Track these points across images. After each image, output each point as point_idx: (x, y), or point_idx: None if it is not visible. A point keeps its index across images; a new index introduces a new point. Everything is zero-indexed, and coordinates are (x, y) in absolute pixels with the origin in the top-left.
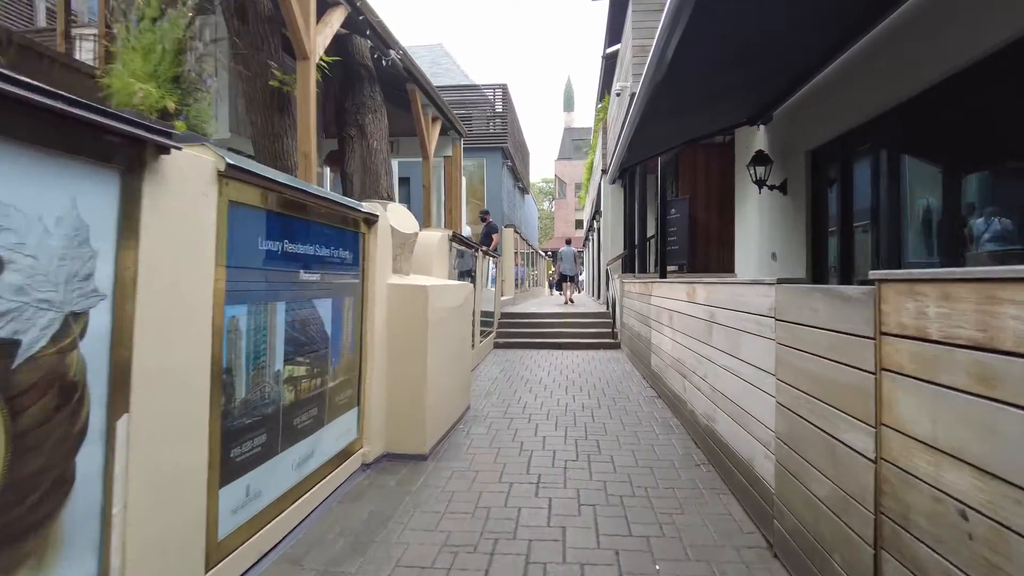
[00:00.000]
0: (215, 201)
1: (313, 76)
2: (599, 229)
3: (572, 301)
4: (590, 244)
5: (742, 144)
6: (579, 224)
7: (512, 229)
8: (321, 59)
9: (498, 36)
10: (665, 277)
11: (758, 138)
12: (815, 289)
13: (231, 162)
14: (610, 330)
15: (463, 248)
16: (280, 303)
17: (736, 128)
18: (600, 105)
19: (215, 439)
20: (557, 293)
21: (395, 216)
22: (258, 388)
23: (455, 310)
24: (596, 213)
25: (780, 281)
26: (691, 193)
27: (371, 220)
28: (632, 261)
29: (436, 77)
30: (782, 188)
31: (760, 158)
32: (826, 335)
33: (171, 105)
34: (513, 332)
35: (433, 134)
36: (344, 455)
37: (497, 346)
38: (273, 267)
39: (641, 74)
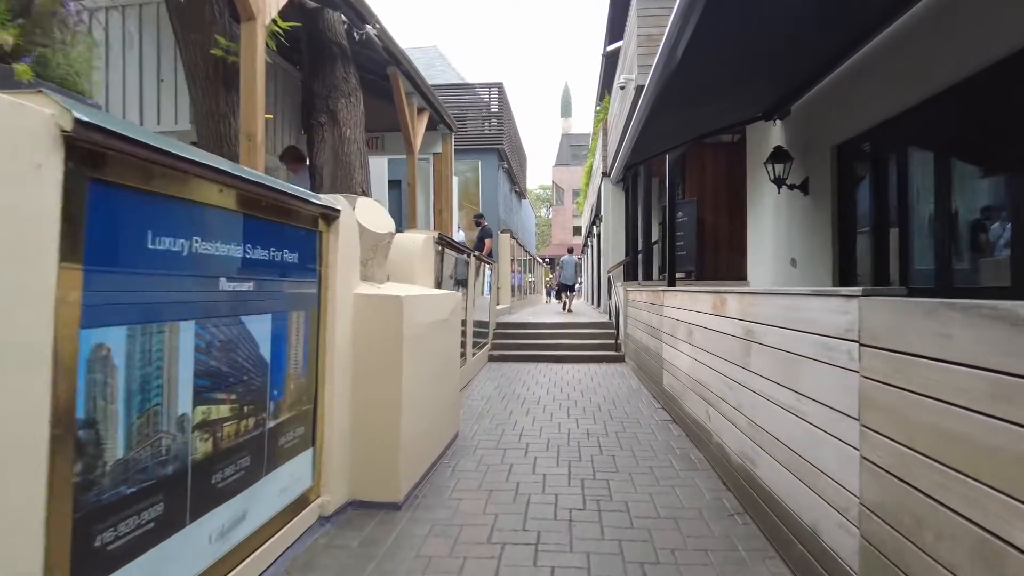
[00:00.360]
0: (58, 175)
1: (261, 41)
2: (598, 235)
3: (571, 310)
4: (589, 250)
5: (755, 142)
6: (577, 231)
7: (508, 235)
8: (276, 23)
9: (494, 42)
10: (674, 285)
11: (774, 134)
12: (948, 306)
13: (83, 118)
14: (613, 341)
15: (454, 253)
16: (187, 323)
17: (750, 123)
18: (600, 106)
19: (60, 527)
20: (555, 301)
21: (365, 213)
22: (148, 442)
23: (440, 324)
24: (596, 218)
25: (868, 292)
26: (699, 195)
27: (331, 216)
28: (635, 268)
29: (431, 79)
30: (803, 187)
31: (779, 155)
32: (978, 378)
33: (7, 39)
34: (509, 344)
35: (419, 126)
36: (295, 509)
37: (492, 359)
38: (174, 273)
39: (647, 65)
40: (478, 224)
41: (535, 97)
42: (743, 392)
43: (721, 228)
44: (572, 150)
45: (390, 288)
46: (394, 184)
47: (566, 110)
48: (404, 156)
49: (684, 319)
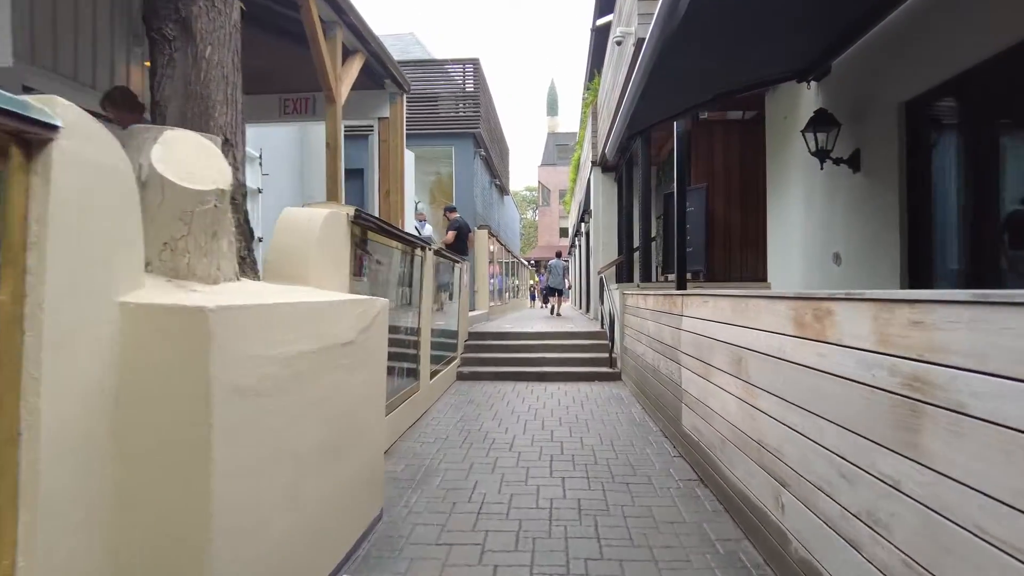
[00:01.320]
0: None
1: None
2: (587, 233)
3: (560, 314)
4: (576, 250)
5: (776, 113)
6: (564, 233)
7: (487, 231)
8: None
9: (478, 35)
10: (684, 288)
11: (806, 101)
12: None
13: None
14: (607, 355)
15: (396, 245)
16: None
17: (778, 83)
18: (588, 88)
19: None
20: (540, 306)
21: (175, 154)
22: None
23: (332, 354)
24: (584, 213)
25: None
26: (707, 182)
27: (31, 139)
28: (629, 268)
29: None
30: (852, 162)
31: (822, 120)
32: None
33: None
34: (484, 358)
35: (346, 73)
36: None
37: (462, 377)
38: None
39: (648, 14)
40: (447, 217)
41: (520, 97)
42: (909, 511)
43: (734, 220)
44: (559, 150)
45: (217, 293)
46: (353, 175)
47: (552, 108)
48: (366, 126)
49: (725, 338)
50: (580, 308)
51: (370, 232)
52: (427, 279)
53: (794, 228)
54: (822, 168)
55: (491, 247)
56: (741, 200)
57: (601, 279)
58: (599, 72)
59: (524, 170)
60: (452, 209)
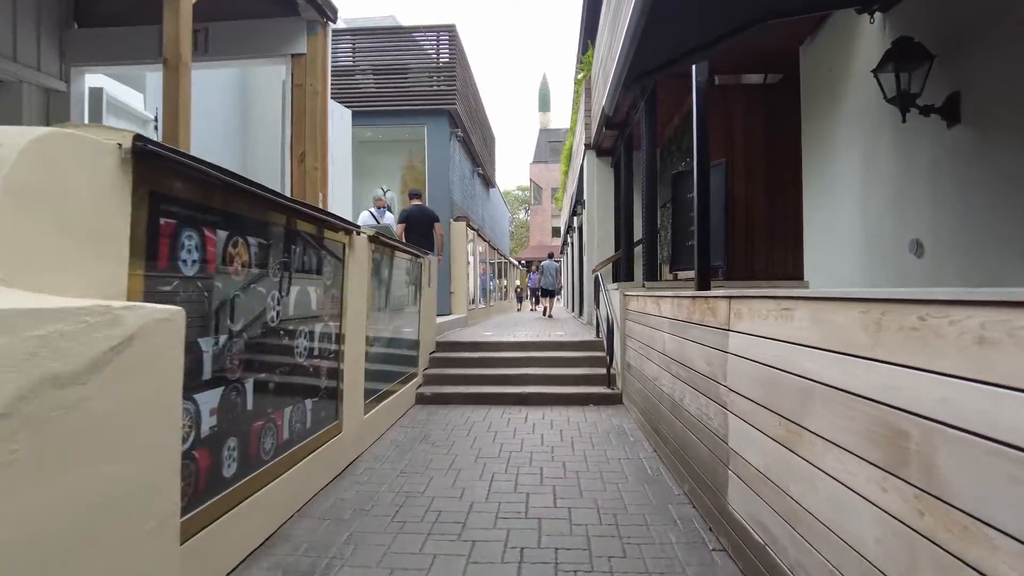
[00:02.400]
0: None
1: None
2: (580, 227)
3: (551, 316)
4: (568, 248)
5: (817, 68)
6: (556, 232)
7: (466, 223)
8: None
9: (469, 34)
10: (708, 287)
11: (865, 40)
12: None
13: None
14: (604, 371)
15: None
16: None
17: (831, 8)
18: (581, 64)
19: None
20: (531, 308)
21: None
22: None
23: None
24: (576, 204)
25: None
26: (726, 158)
27: None
28: (629, 265)
29: None
30: (946, 111)
31: (904, 52)
32: None
33: None
34: (453, 376)
35: None
36: None
37: (422, 400)
38: None
39: None
40: (412, 201)
41: (512, 95)
42: None
43: (758, 204)
44: (551, 147)
45: None
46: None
47: (544, 104)
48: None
49: (851, 386)
50: (572, 311)
51: (187, 183)
52: (354, 276)
53: (846, 210)
54: (904, 120)
55: (471, 242)
56: (767, 180)
57: (597, 278)
58: (593, 44)
59: (516, 170)
60: (416, 195)
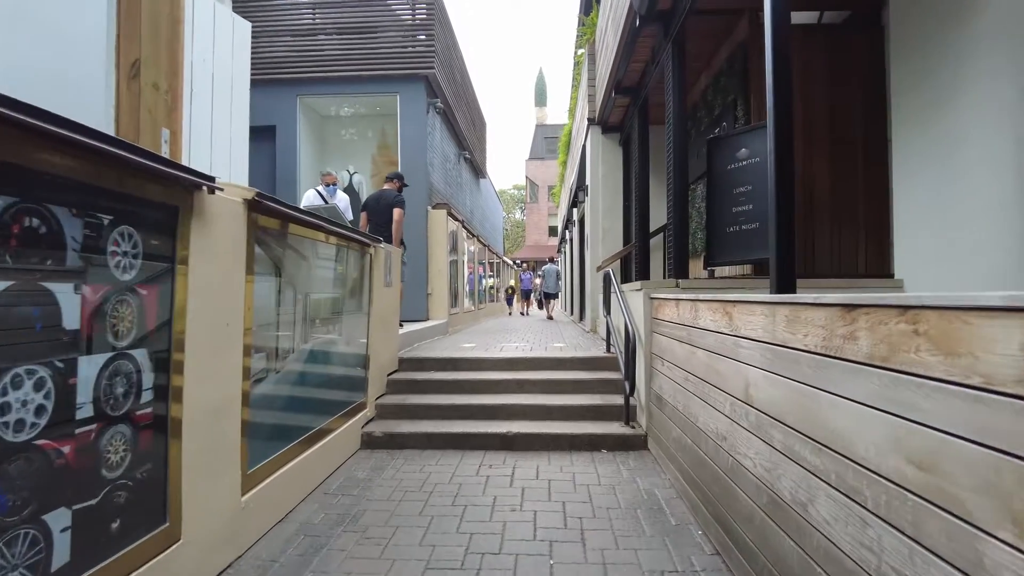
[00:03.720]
0: None
1: None
2: (580, 220)
3: (552, 317)
4: (566, 245)
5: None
6: (553, 231)
7: (447, 211)
8: None
9: (463, 29)
10: (792, 289)
11: None
12: None
13: None
14: (620, 401)
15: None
16: None
17: None
18: (583, 27)
19: None
20: (522, 312)
21: None
22: None
23: None
24: (578, 191)
25: None
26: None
27: None
28: (645, 260)
29: None
30: None
31: None
32: None
33: None
34: (417, 407)
35: None
36: None
37: (370, 444)
38: None
39: None
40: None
41: (508, 90)
42: None
43: (821, 179)
44: (547, 143)
45: None
46: (263, 132)
47: (541, 99)
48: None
49: None
50: (571, 314)
51: None
52: (204, 263)
53: (979, 178)
54: None
55: (453, 234)
56: (831, 148)
57: (608, 275)
58: (598, 2)
59: (512, 170)
60: (397, 177)
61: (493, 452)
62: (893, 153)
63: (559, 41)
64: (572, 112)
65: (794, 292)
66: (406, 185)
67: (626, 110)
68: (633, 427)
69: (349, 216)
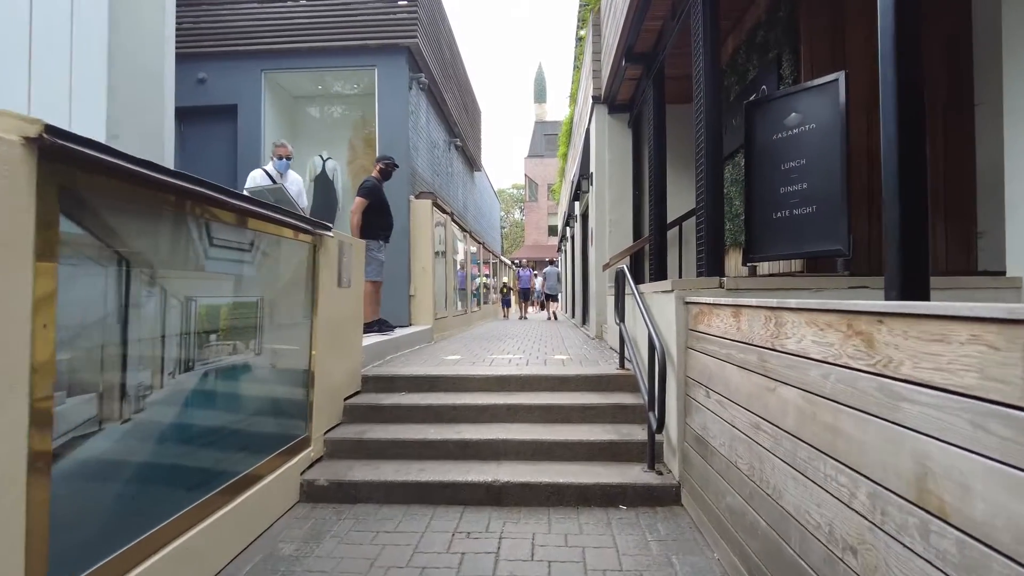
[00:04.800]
0: None
1: None
2: (583, 214)
3: (555, 316)
4: (567, 243)
5: None
6: (553, 231)
7: (432, 202)
8: None
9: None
10: (925, 297)
11: None
12: None
13: None
14: (641, 436)
15: None
16: None
17: None
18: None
19: None
20: (520, 316)
21: None
22: None
23: None
24: (582, 179)
25: None
26: (843, 68)
27: None
28: (661, 256)
29: None
30: None
31: None
32: None
33: None
34: (378, 444)
35: None
36: None
37: (312, 496)
38: None
39: None
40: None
41: (506, 87)
42: None
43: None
44: (547, 140)
45: None
46: (224, 112)
47: (540, 95)
48: None
49: None
50: (573, 317)
51: None
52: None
53: None
54: None
55: (441, 228)
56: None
57: (623, 273)
58: None
59: (511, 168)
60: (378, 160)
61: (474, 510)
62: (1005, 116)
63: (558, 36)
64: (574, 97)
65: (927, 299)
66: (396, 166)
67: (637, 84)
68: (660, 473)
69: (304, 203)
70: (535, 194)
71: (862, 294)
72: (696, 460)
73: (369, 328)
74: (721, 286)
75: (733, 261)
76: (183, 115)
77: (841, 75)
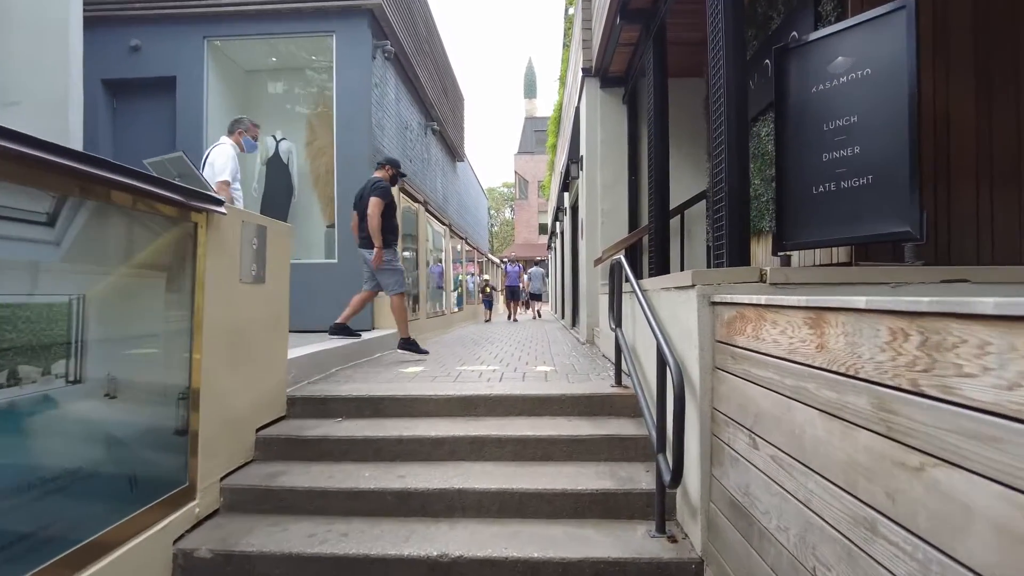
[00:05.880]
0: None
1: None
2: (572, 207)
3: (540, 315)
4: (557, 240)
5: None
6: (543, 229)
7: (398, 187)
8: None
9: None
10: None
11: None
12: None
13: None
14: (645, 483)
15: None
16: None
17: None
18: None
19: None
20: (510, 318)
21: None
22: None
23: None
24: (571, 164)
25: None
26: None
27: None
28: (663, 247)
29: None
30: None
31: None
32: None
33: None
34: (300, 492)
35: None
36: None
37: (192, 574)
38: None
39: None
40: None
41: (495, 82)
42: None
43: (964, 119)
44: (537, 136)
45: None
46: (161, 84)
47: (530, 90)
48: None
49: None
50: (562, 318)
51: None
52: None
53: None
54: None
55: (413, 218)
56: (978, 79)
57: (618, 266)
58: None
59: (501, 167)
60: (385, 163)
61: None
62: None
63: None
64: (563, 80)
65: None
66: (403, 175)
67: (634, 51)
68: (673, 539)
69: (227, 176)
70: (525, 192)
71: (961, 290)
72: (730, 534)
73: (408, 346)
74: (762, 279)
75: (763, 249)
76: (115, 88)
77: (909, 1)
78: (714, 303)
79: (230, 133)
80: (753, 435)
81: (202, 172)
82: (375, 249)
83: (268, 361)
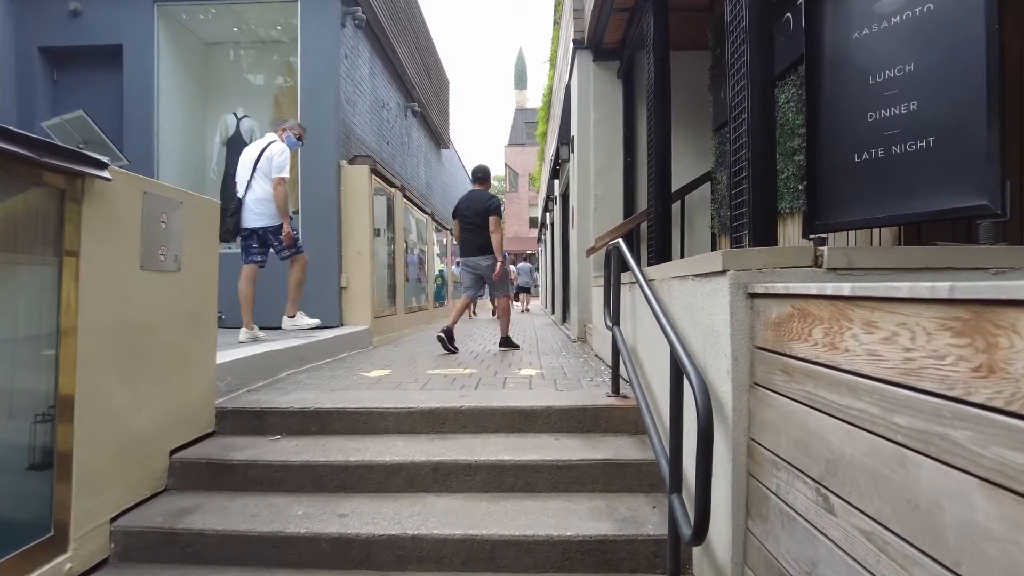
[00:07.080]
0: None
1: None
2: (563, 195)
3: (528, 309)
4: (547, 232)
5: None
6: (534, 223)
7: (369, 168)
8: None
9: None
10: None
11: None
12: None
13: None
14: (651, 528)
15: None
16: None
17: None
18: None
19: None
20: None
21: None
22: None
23: None
24: (561, 146)
25: None
26: None
27: None
28: (664, 233)
29: None
30: None
31: None
32: None
33: None
34: (214, 537)
35: None
36: None
37: None
38: None
39: None
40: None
41: (485, 73)
42: None
43: None
44: (528, 128)
45: None
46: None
47: (520, 81)
48: None
49: None
50: (552, 312)
51: None
52: None
53: None
54: None
55: (389, 205)
56: None
57: (617, 251)
58: None
59: (491, 161)
60: (483, 177)
61: None
62: None
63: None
64: (553, 61)
65: None
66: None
67: (630, 18)
68: None
69: (285, 173)
70: (515, 184)
71: None
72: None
73: (508, 344)
74: (817, 263)
75: (791, 230)
76: (55, 57)
77: None
78: (753, 295)
79: (276, 130)
80: (824, 490)
81: (256, 166)
82: (497, 263)
83: (186, 367)
